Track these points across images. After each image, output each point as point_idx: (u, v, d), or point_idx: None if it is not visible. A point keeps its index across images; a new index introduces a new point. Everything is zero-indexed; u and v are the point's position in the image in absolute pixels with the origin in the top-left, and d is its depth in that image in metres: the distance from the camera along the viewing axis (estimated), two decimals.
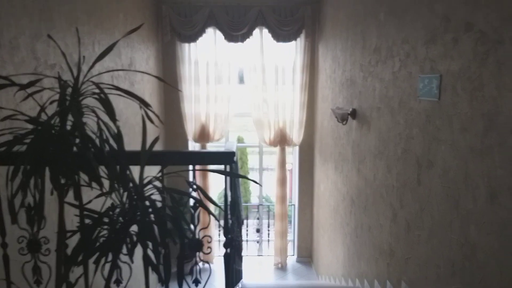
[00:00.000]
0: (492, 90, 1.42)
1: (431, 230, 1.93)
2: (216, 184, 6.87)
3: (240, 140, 16.39)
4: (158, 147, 5.06)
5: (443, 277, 1.80)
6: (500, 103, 1.37)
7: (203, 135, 5.37)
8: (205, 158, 1.89)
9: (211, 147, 5.63)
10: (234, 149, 1.67)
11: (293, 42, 5.32)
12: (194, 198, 1.33)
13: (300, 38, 5.29)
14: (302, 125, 5.63)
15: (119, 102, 3.30)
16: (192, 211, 1.65)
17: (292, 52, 5.43)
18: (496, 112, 1.40)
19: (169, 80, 5.28)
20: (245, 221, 5.98)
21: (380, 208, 2.68)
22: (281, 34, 5.16)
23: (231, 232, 1.87)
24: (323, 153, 4.98)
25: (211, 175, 5.52)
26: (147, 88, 4.48)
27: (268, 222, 6.67)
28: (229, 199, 1.84)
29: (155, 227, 1.33)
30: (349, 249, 3.63)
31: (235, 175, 1.66)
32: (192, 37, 5.08)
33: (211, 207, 1.96)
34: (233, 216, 1.89)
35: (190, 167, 1.75)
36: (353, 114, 3.25)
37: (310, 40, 5.30)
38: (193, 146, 5.61)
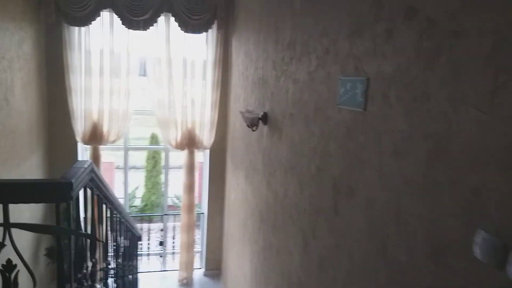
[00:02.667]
0: (443, 102, 1.01)
1: (349, 274, 1.51)
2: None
3: (153, 138, 15.42)
4: (39, 153, 4.21)
5: None
6: (453, 120, 0.97)
7: (95, 136, 4.54)
8: (13, 195, 1.11)
9: (105, 149, 4.82)
10: (73, 179, 1.05)
11: (204, 33, 4.75)
12: None
13: (212, 29, 4.73)
14: (213, 126, 5.07)
15: None
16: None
17: (203, 44, 4.84)
18: (447, 135, 0.99)
19: (54, 69, 4.40)
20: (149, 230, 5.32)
21: (290, 231, 2.26)
22: (190, 24, 4.55)
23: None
24: (235, 159, 4.49)
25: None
26: (18, 78, 3.60)
27: (174, 230, 6.09)
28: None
29: None
30: (257, 269, 3.18)
31: (51, 230, 1.06)
32: (83, 20, 4.26)
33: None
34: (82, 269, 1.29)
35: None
36: (265, 118, 2.79)
37: (223, 32, 4.77)
38: (83, 148, 4.77)
